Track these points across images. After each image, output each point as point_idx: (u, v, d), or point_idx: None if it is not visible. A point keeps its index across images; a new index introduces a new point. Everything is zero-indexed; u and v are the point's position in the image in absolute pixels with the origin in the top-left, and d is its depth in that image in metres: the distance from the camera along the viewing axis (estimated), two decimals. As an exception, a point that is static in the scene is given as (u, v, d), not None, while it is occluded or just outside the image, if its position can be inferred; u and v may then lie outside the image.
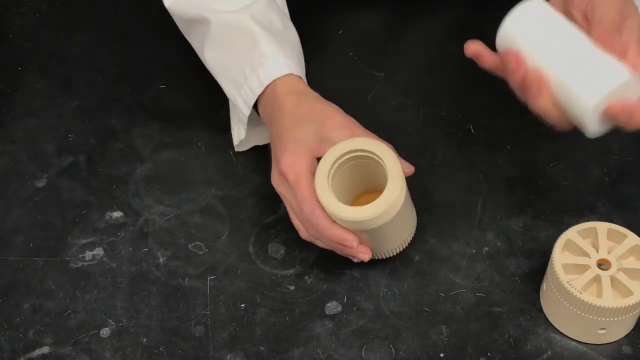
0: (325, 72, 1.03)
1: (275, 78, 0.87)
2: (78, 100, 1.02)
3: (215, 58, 0.92)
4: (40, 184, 0.94)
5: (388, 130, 0.99)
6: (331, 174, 0.81)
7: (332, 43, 1.07)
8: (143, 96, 1.02)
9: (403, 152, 0.96)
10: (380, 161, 0.82)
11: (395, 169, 0.81)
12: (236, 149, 0.95)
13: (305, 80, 0.90)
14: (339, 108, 0.86)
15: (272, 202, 0.92)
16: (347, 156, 0.82)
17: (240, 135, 0.93)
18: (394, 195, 0.80)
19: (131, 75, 1.04)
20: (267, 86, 0.87)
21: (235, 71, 0.89)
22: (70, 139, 0.98)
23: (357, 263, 0.87)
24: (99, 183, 0.94)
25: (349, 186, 0.85)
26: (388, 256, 0.86)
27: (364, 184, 0.86)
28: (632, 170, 0.94)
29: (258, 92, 0.87)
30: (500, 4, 1.05)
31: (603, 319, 0.80)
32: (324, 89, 0.98)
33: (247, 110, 0.89)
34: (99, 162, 0.96)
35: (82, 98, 1.02)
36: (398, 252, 0.87)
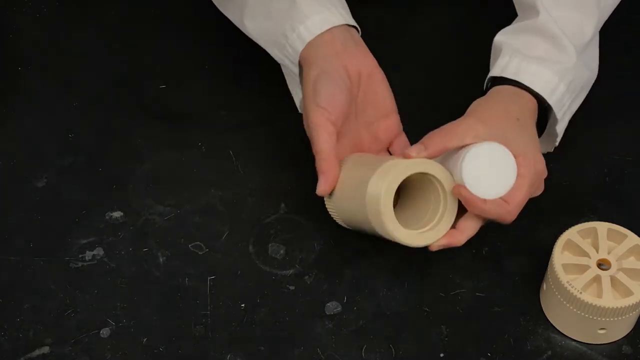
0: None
1: (315, 35, 0.87)
2: (78, 100, 1.02)
3: (256, 26, 0.92)
4: (40, 184, 0.94)
5: (388, 130, 0.99)
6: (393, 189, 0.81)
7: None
8: (143, 96, 1.02)
9: (403, 152, 0.96)
10: (439, 188, 0.82)
11: (452, 199, 0.82)
12: (300, 111, 0.93)
13: (351, 21, 0.90)
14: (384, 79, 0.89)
15: (272, 202, 0.92)
16: (412, 175, 0.81)
17: (298, 95, 0.92)
18: (448, 226, 0.83)
19: (131, 75, 1.04)
20: (310, 44, 0.87)
21: (276, 33, 0.89)
22: (70, 139, 0.98)
23: (357, 263, 0.87)
24: (99, 183, 0.94)
25: None
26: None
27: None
28: (632, 170, 0.94)
29: (300, 49, 0.87)
30: (499, 4, 1.05)
31: (603, 319, 0.80)
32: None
33: (295, 68, 0.90)
34: (99, 162, 0.96)
35: (82, 98, 1.02)
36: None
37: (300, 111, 0.92)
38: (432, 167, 0.81)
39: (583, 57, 0.88)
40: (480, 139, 0.81)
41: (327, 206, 0.87)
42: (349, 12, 0.91)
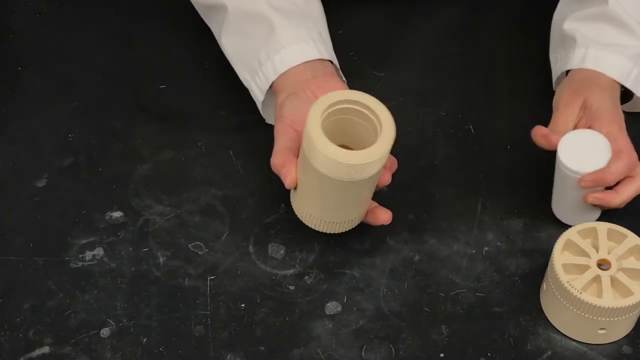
0: (325, 72, 1.03)
1: (289, 67, 0.88)
2: (78, 100, 1.02)
3: (231, 44, 0.93)
4: (40, 184, 0.94)
5: (388, 130, 0.99)
6: (322, 118, 0.79)
7: (332, 43, 1.06)
8: (143, 96, 1.02)
9: (403, 152, 0.96)
10: (373, 117, 0.80)
11: (388, 127, 0.80)
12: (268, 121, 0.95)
13: (329, 54, 0.91)
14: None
15: (272, 202, 0.92)
16: (340, 106, 0.80)
17: (259, 98, 0.92)
18: (385, 148, 0.79)
19: (131, 75, 1.04)
20: (282, 74, 0.88)
21: (251, 58, 0.90)
22: (70, 139, 0.98)
23: (357, 263, 0.87)
24: (99, 183, 0.94)
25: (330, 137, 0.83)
26: (318, 227, 0.86)
27: (340, 140, 0.84)
28: (632, 170, 0.93)
29: (272, 79, 0.88)
30: (499, 4, 1.05)
31: (603, 319, 0.80)
32: (324, 89, 0.97)
33: (261, 96, 0.91)
34: (99, 162, 0.96)
35: (82, 98, 1.02)
36: (331, 230, 0.86)
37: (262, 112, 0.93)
38: (361, 96, 0.81)
39: None
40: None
41: (293, 206, 0.87)
42: (328, 46, 0.92)
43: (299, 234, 0.90)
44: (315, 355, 0.82)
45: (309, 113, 0.79)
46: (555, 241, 0.82)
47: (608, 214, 0.90)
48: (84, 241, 0.90)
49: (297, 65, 0.88)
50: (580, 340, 0.83)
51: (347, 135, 0.83)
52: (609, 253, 0.82)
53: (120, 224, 0.91)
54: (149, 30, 1.09)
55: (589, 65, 0.89)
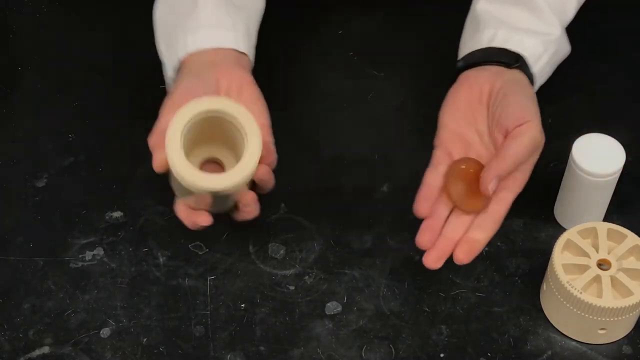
0: (325, 72, 1.03)
1: (200, 49, 0.85)
2: (78, 100, 1.02)
3: (160, 14, 0.91)
4: (40, 184, 0.94)
5: (388, 130, 0.99)
6: (183, 134, 0.77)
7: (332, 43, 1.06)
8: (143, 96, 1.02)
9: (403, 152, 0.96)
10: (240, 128, 0.78)
11: (254, 140, 0.77)
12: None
13: (248, 49, 0.87)
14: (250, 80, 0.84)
15: (272, 202, 0.92)
16: (204, 116, 0.78)
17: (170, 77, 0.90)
18: (251, 167, 0.77)
19: (131, 75, 1.04)
20: (192, 54, 0.85)
21: (170, 32, 0.88)
22: (70, 139, 0.98)
23: (357, 263, 0.87)
24: (99, 183, 0.94)
25: (198, 143, 0.82)
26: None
27: (211, 143, 0.82)
28: (632, 170, 0.93)
29: (181, 57, 0.85)
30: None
31: (603, 319, 0.80)
32: (324, 89, 0.98)
33: (171, 73, 0.87)
34: (99, 162, 0.96)
35: (82, 98, 1.02)
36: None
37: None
38: (225, 105, 0.78)
39: (564, 34, 0.90)
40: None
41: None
42: (251, 41, 0.89)
43: (299, 234, 0.90)
44: (315, 355, 0.82)
45: (170, 125, 0.76)
46: (555, 241, 0.82)
47: (608, 214, 0.90)
48: (84, 241, 0.90)
49: (209, 49, 0.85)
50: (580, 340, 0.83)
51: (222, 134, 0.80)
52: (609, 253, 0.82)
53: (120, 224, 0.91)
54: (149, 30, 1.09)
55: (498, 43, 0.87)
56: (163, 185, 0.94)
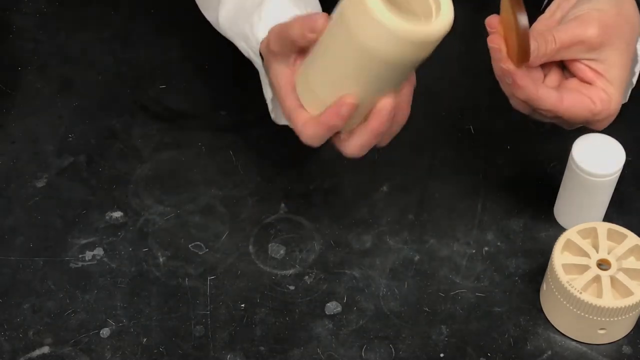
0: (325, 72, 1.03)
1: (278, 21, 0.80)
2: (78, 100, 1.02)
3: (227, 17, 0.88)
4: (40, 184, 0.94)
5: (388, 130, 0.98)
6: None
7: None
8: (143, 96, 1.02)
9: (403, 151, 0.96)
10: None
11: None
12: (273, 119, 0.87)
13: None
14: None
15: (272, 202, 0.92)
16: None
17: (268, 95, 0.86)
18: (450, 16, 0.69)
19: (131, 75, 1.04)
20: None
21: (244, 24, 0.85)
22: (70, 139, 0.98)
23: (357, 263, 0.87)
24: (99, 183, 0.94)
25: None
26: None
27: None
28: (632, 170, 0.94)
29: (262, 37, 0.81)
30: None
31: (603, 319, 0.80)
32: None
33: (258, 59, 0.84)
34: (99, 162, 0.96)
35: (82, 98, 1.02)
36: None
37: (271, 112, 0.86)
38: None
39: None
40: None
41: (299, 94, 0.77)
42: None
43: (299, 234, 0.90)
44: (315, 355, 0.82)
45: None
46: (555, 241, 0.82)
47: (608, 214, 0.90)
48: (84, 241, 0.90)
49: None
50: (580, 340, 0.83)
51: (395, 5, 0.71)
52: (609, 253, 0.82)
53: (120, 224, 0.91)
54: (149, 30, 1.09)
55: None
56: (163, 185, 0.94)
